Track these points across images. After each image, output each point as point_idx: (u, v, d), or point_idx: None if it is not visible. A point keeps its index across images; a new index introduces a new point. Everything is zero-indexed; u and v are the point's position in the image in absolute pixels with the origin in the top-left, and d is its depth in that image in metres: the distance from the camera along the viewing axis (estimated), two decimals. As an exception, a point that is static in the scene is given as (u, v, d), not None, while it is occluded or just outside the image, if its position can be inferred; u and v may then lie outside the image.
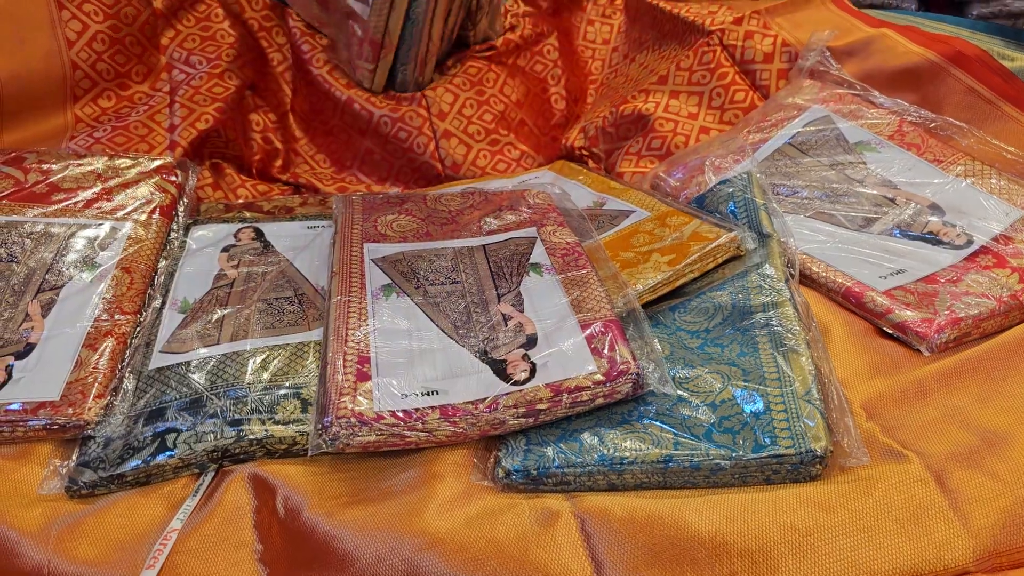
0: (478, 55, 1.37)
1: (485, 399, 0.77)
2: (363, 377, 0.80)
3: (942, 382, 0.78)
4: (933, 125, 1.05)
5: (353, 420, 0.76)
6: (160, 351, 0.90)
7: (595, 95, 1.45)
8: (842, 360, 0.83)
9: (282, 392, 0.83)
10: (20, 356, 0.87)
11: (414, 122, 1.32)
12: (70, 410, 0.81)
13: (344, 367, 0.81)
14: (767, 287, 0.87)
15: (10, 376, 0.85)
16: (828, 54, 1.17)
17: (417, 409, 0.77)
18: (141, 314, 0.96)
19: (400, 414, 0.77)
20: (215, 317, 0.94)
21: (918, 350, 0.83)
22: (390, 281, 0.94)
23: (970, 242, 0.93)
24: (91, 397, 0.83)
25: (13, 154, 1.10)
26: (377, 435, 0.76)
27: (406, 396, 0.78)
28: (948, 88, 1.08)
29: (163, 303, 0.97)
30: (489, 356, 0.83)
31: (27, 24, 1.15)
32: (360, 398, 0.78)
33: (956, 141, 1.03)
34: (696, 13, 1.31)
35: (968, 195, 0.97)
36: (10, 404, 0.81)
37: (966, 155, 1.02)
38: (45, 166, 1.10)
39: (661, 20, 1.38)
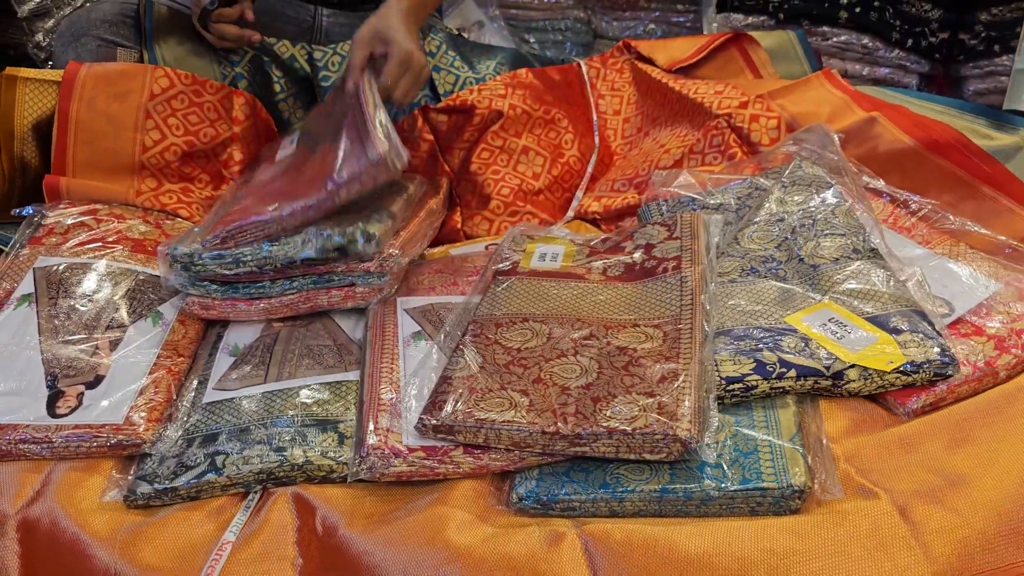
0: (491, 144, 1.49)
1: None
2: (396, 415, 0.90)
3: (916, 434, 0.86)
4: (922, 211, 1.15)
5: (388, 452, 0.86)
6: (213, 388, 1.01)
7: (611, 161, 1.56)
8: (827, 416, 0.91)
9: (321, 426, 0.93)
10: (91, 386, 0.98)
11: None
12: (130, 431, 0.93)
13: (379, 406, 0.91)
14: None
15: (81, 403, 0.96)
16: (834, 135, 1.26)
17: (443, 445, 0.87)
18: (194, 357, 1.07)
19: (430, 448, 0.87)
20: (262, 360, 1.04)
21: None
22: (420, 329, 1.04)
23: (951, 312, 1.01)
24: (148, 421, 0.94)
25: (88, 206, 1.23)
26: (409, 466, 0.86)
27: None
28: (929, 172, 1.19)
29: (216, 347, 1.08)
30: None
31: (120, 124, 1.32)
32: (394, 433, 0.88)
33: (941, 224, 1.13)
34: (704, 94, 1.43)
35: (951, 271, 1.05)
36: (81, 426, 0.92)
37: (950, 236, 1.11)
38: (116, 222, 1.22)
39: (672, 99, 1.50)
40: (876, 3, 1.64)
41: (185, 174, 1.37)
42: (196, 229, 1.13)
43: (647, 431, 0.80)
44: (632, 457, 0.82)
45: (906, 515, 0.75)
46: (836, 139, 1.20)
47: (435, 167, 1.52)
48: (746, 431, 0.85)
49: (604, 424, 0.81)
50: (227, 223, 1.07)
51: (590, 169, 1.53)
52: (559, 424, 0.83)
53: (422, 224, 1.25)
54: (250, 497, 0.88)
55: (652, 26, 2.19)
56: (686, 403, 0.82)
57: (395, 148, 1.07)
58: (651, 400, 0.83)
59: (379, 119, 1.10)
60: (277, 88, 1.52)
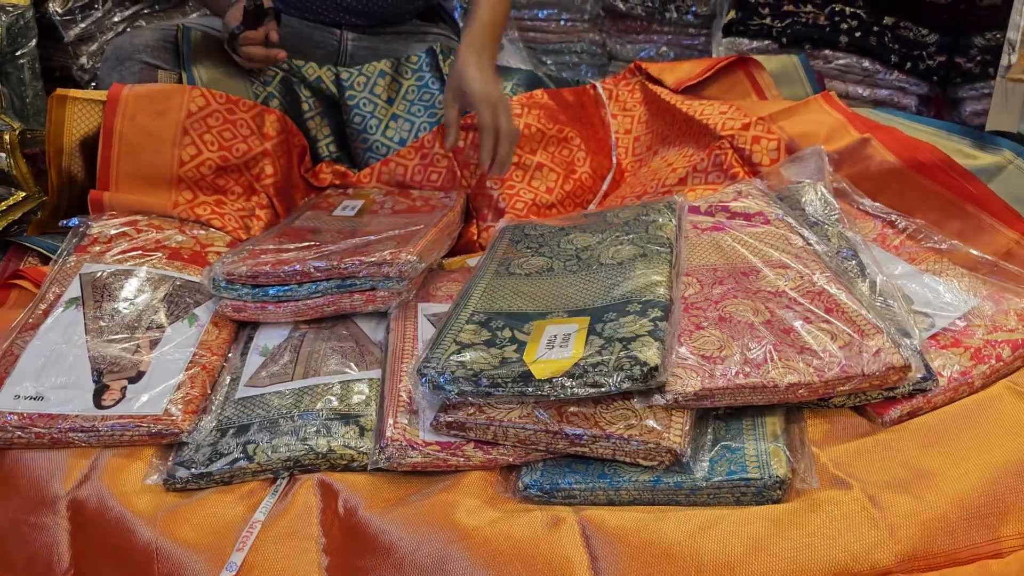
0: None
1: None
2: (414, 411, 0.98)
3: (891, 438, 0.93)
4: (910, 229, 1.21)
5: (405, 443, 0.94)
6: (245, 384, 1.09)
7: (623, 178, 1.64)
8: (811, 425, 0.97)
9: (344, 419, 1.01)
10: (133, 381, 1.07)
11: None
12: (168, 421, 1.01)
13: (398, 402, 0.99)
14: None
15: (124, 395, 1.05)
16: (826, 159, 1.34)
17: (456, 440, 0.95)
18: (226, 357, 1.16)
19: (444, 442, 0.95)
20: (290, 360, 1.12)
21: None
22: (438, 333, 1.13)
23: (932, 326, 1.07)
24: (185, 413, 1.03)
25: (129, 218, 1.33)
26: (424, 457, 0.94)
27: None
28: (916, 191, 1.26)
29: (247, 348, 1.17)
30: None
31: (160, 139, 1.42)
32: (411, 427, 0.96)
33: (926, 242, 1.19)
34: (709, 115, 1.50)
35: (934, 286, 1.12)
36: (124, 416, 1.01)
37: (935, 253, 1.18)
38: (155, 232, 1.31)
39: (679, 119, 1.57)
40: (875, 28, 1.71)
41: (219, 187, 1.46)
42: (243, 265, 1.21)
43: (641, 438, 0.87)
44: (628, 461, 0.89)
45: (875, 502, 0.82)
46: (827, 162, 1.27)
47: (453, 182, 1.60)
48: (734, 433, 0.93)
49: (604, 428, 0.89)
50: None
51: (604, 187, 1.61)
52: (561, 424, 0.90)
53: (440, 233, 1.34)
54: (278, 482, 0.97)
55: (664, 48, 2.28)
56: (679, 416, 0.90)
57: None
58: (649, 410, 0.90)
59: None
60: (305, 107, 1.61)
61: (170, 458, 1.00)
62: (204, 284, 1.18)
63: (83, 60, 1.91)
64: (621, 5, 2.24)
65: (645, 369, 0.87)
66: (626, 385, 0.87)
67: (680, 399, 0.90)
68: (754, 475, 0.86)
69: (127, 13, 1.94)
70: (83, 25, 1.87)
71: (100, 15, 1.89)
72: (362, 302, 1.17)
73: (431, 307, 1.19)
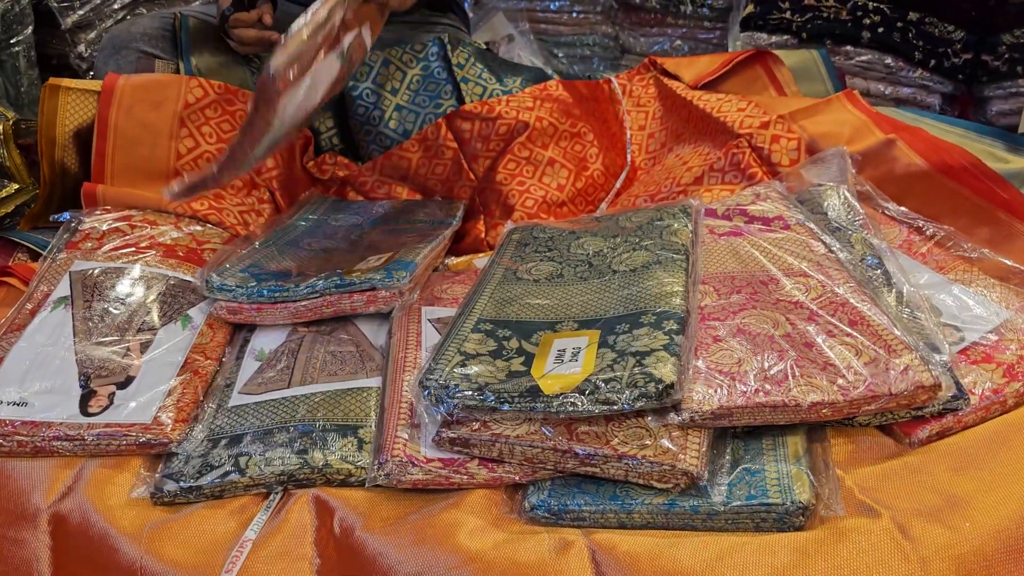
0: (517, 156, 1.52)
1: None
2: (415, 425, 0.93)
3: (920, 460, 0.87)
4: (938, 236, 1.16)
5: (406, 460, 0.89)
6: (239, 392, 1.04)
7: (635, 176, 1.59)
8: (835, 445, 0.92)
9: (342, 431, 0.96)
10: (121, 386, 1.02)
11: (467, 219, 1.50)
12: (158, 431, 0.96)
13: (399, 414, 0.94)
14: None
15: (112, 402, 1.00)
16: (849, 161, 1.28)
17: (459, 457, 0.90)
18: (221, 361, 1.11)
19: (446, 459, 0.90)
20: (287, 365, 1.08)
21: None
22: (442, 340, 1.07)
23: (961, 339, 1.01)
24: (176, 422, 0.98)
25: (122, 213, 1.28)
26: (425, 475, 0.89)
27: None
28: (944, 196, 1.20)
29: (243, 351, 1.12)
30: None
31: (156, 131, 1.38)
32: (412, 442, 0.91)
33: (955, 250, 1.14)
34: (727, 112, 1.44)
35: (963, 297, 1.06)
36: (111, 425, 0.96)
37: (964, 262, 1.12)
38: (149, 228, 1.27)
39: (696, 116, 1.52)
40: (899, 24, 1.65)
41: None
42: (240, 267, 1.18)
43: (655, 460, 0.82)
44: (641, 482, 0.84)
45: (906, 532, 0.77)
46: (850, 164, 1.21)
47: (459, 174, 1.55)
48: (753, 454, 0.87)
49: (617, 447, 0.84)
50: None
51: (617, 185, 1.56)
52: (571, 443, 0.85)
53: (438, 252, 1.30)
54: (271, 497, 0.92)
55: (679, 42, 2.22)
56: (695, 436, 0.85)
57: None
58: (664, 429, 0.85)
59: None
60: None
61: (158, 469, 0.95)
62: (197, 285, 1.13)
63: (81, 48, 1.86)
64: (635, -3, 2.19)
65: (660, 387, 0.82)
66: (640, 404, 0.82)
67: (697, 418, 0.85)
68: (775, 500, 0.81)
69: (126, 1, 1.89)
70: (81, 12, 1.82)
71: (99, 2, 1.84)
72: (363, 303, 1.12)
73: (436, 311, 1.14)
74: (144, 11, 1.93)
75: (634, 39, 2.27)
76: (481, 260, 1.39)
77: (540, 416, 0.86)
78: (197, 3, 2.00)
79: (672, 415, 0.85)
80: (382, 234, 1.34)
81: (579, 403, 0.83)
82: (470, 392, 0.87)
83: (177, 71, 1.48)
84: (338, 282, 1.11)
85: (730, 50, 1.95)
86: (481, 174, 1.54)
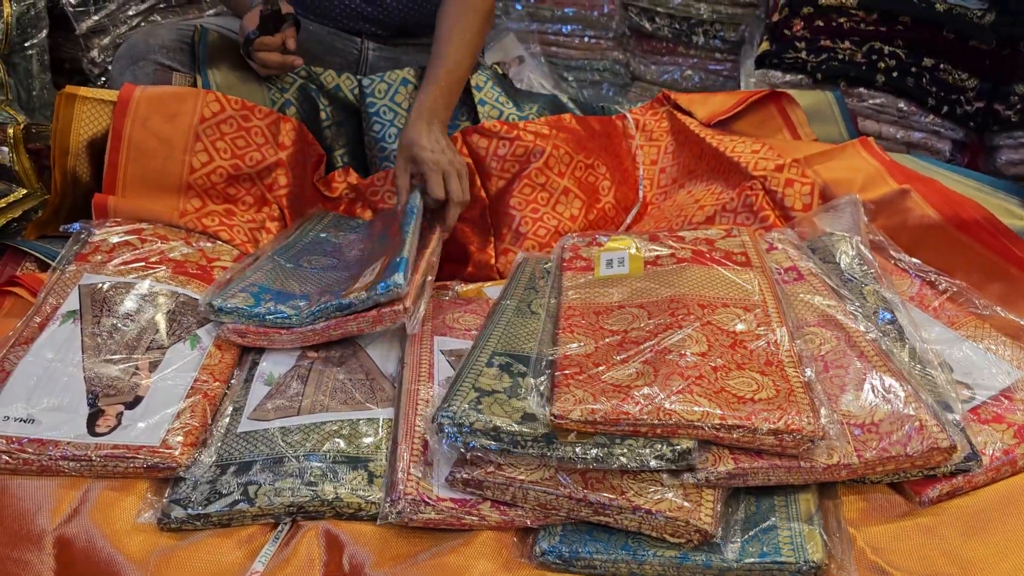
0: (533, 181, 1.51)
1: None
2: (428, 463, 0.92)
3: (932, 521, 0.88)
4: (951, 291, 1.16)
5: (418, 499, 0.88)
6: (248, 417, 1.03)
7: (645, 211, 1.59)
8: (846, 502, 0.92)
9: (352, 463, 0.95)
10: (130, 406, 1.01)
11: (476, 243, 1.49)
12: (166, 454, 0.96)
13: (412, 451, 0.93)
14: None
15: (120, 422, 0.99)
16: (862, 210, 1.28)
17: (472, 498, 0.90)
18: (229, 383, 1.10)
19: (459, 499, 0.89)
20: (297, 392, 1.07)
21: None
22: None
23: (972, 398, 1.01)
24: (184, 445, 0.97)
25: (133, 226, 1.27)
26: (437, 514, 0.88)
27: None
28: (957, 249, 1.20)
29: (251, 374, 1.11)
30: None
31: (171, 144, 1.37)
32: (424, 481, 0.90)
33: (968, 305, 1.14)
34: (741, 153, 1.45)
35: (974, 355, 1.06)
36: (119, 446, 0.95)
37: (976, 318, 1.12)
38: (159, 242, 1.26)
39: (709, 154, 1.52)
40: (914, 69, 1.66)
41: (230, 196, 1.41)
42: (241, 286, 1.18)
43: (670, 515, 0.82)
44: (654, 535, 0.84)
45: (919, 597, 0.77)
46: (863, 213, 1.22)
47: (471, 190, 1.53)
48: (765, 512, 0.87)
49: (632, 499, 0.83)
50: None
51: (628, 219, 1.56)
52: (586, 492, 0.85)
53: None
54: (279, 528, 0.91)
55: (689, 72, 2.22)
56: (709, 494, 0.85)
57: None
58: (679, 486, 0.85)
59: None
60: (323, 116, 1.56)
61: (166, 494, 0.94)
62: (201, 310, 1.13)
63: (94, 53, 1.85)
64: (648, 25, 2.19)
65: (678, 451, 0.83)
66: (655, 464, 0.83)
67: (711, 478, 0.84)
68: (788, 558, 0.81)
69: (142, 7, 1.88)
70: (96, 17, 1.81)
71: (114, 8, 1.83)
72: (368, 323, 1.11)
73: (448, 342, 1.14)
74: (159, 18, 1.91)
75: (645, 67, 2.27)
76: (491, 288, 1.39)
77: (555, 463, 0.86)
78: (211, 13, 1.99)
79: (687, 475, 0.85)
80: (375, 246, 1.33)
81: (594, 456, 0.84)
82: (484, 432, 0.87)
83: (194, 84, 1.47)
84: (339, 304, 1.10)
85: (742, 86, 1.95)
86: (493, 193, 1.53)
